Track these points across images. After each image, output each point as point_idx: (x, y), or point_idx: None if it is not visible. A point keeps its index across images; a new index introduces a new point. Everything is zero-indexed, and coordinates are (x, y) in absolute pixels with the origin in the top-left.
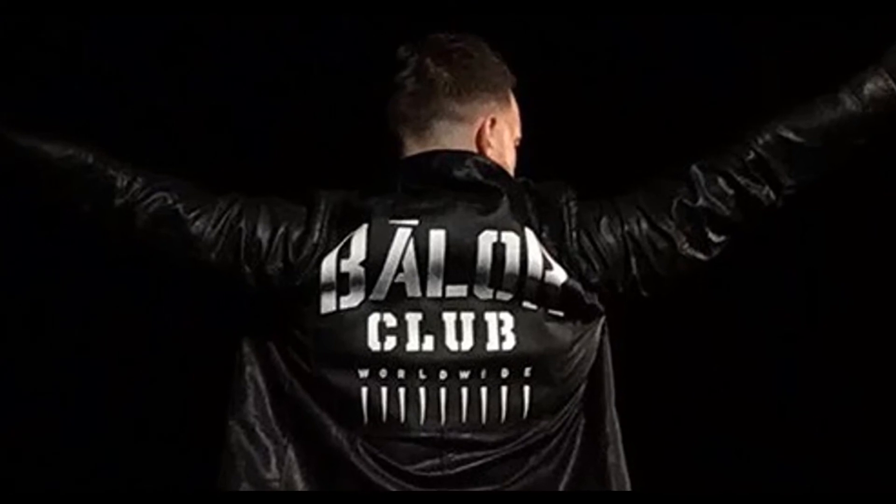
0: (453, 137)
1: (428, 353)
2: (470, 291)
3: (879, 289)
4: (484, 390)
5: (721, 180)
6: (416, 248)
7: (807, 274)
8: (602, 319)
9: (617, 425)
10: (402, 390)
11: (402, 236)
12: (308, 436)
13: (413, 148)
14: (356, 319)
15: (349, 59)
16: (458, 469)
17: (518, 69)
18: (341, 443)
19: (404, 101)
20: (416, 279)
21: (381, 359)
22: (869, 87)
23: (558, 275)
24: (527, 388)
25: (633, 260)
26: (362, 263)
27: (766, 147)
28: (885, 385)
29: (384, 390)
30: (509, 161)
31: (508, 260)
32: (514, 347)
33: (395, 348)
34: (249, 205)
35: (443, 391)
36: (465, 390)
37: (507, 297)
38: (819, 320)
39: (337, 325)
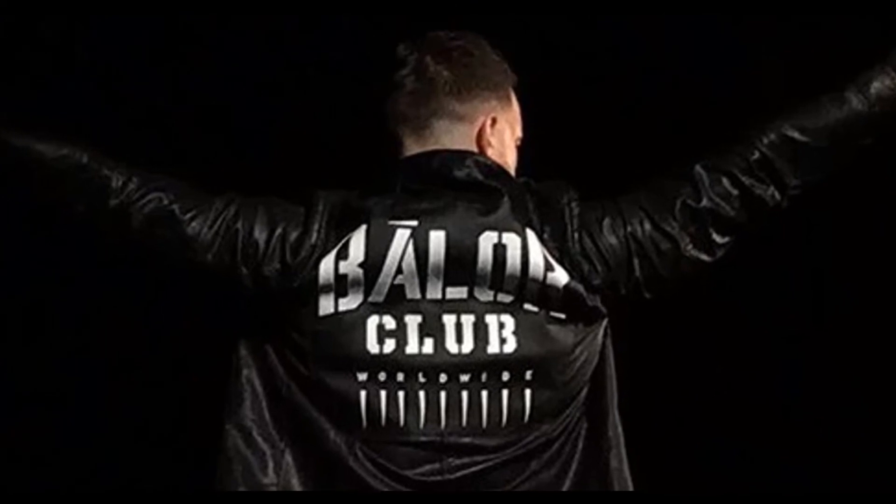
0: (453, 137)
1: (428, 355)
2: (470, 293)
3: (885, 290)
4: (484, 394)
5: (725, 180)
6: (416, 250)
7: (812, 275)
8: (604, 321)
9: (620, 429)
10: (401, 394)
11: (402, 237)
12: (306, 440)
13: (413, 147)
14: (355, 322)
15: (349, 59)
16: (459, 474)
17: (518, 69)
18: (339, 447)
19: (404, 101)
20: (416, 281)
21: (380, 362)
22: (875, 86)
23: (560, 276)
24: (528, 392)
25: (635, 261)
26: (361, 265)
27: (772, 146)
28: (891, 386)
29: (383, 394)
30: (510, 161)
31: (509, 261)
32: (516, 350)
33: (395, 351)
34: (246, 205)
35: (443, 394)
36: (465, 394)
37: (508, 298)
38: (824, 322)
39: (335, 327)
